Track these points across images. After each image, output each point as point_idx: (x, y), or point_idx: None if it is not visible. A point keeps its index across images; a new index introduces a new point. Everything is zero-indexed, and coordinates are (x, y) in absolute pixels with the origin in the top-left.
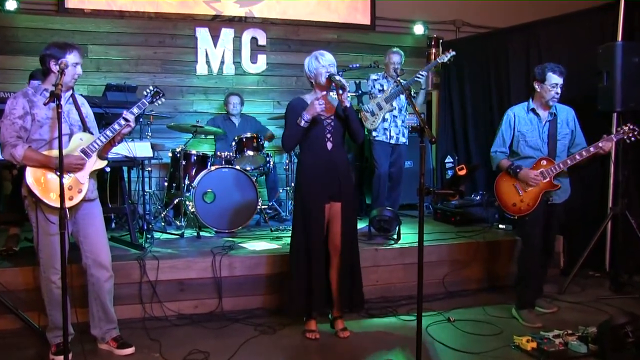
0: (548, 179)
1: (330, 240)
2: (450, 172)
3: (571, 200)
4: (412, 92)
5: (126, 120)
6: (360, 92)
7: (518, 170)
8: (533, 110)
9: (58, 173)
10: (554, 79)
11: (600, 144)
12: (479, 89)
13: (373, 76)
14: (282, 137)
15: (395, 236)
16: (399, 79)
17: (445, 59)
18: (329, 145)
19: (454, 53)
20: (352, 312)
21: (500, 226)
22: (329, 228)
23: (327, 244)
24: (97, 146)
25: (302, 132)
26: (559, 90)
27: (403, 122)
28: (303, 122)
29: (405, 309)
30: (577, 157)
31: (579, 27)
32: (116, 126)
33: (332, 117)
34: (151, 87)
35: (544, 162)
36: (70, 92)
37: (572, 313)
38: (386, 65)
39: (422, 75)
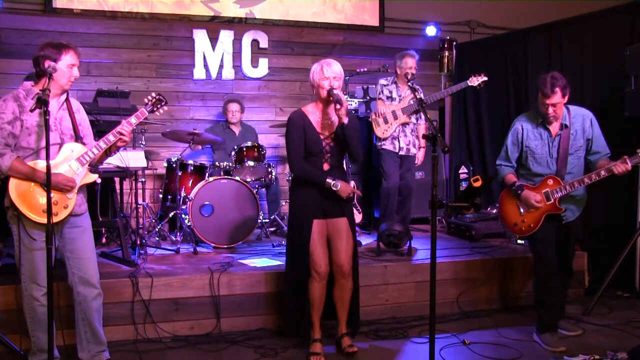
0: (552, 201)
1: (335, 258)
2: (464, 184)
3: (596, 213)
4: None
5: (121, 133)
6: (367, 98)
7: (519, 191)
8: (542, 123)
9: (45, 188)
10: (543, 97)
11: (614, 168)
12: (495, 94)
13: (382, 81)
14: (292, 162)
15: (406, 252)
16: (421, 96)
17: (476, 84)
18: (325, 166)
19: (486, 78)
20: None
21: (519, 242)
22: (331, 245)
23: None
24: (88, 159)
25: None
26: (551, 110)
27: (413, 131)
28: (329, 184)
29: (416, 330)
30: (586, 180)
31: (604, 27)
32: (111, 137)
33: (332, 136)
34: (153, 94)
35: (550, 182)
36: (65, 96)
37: (599, 336)
38: (399, 69)
39: (446, 96)
